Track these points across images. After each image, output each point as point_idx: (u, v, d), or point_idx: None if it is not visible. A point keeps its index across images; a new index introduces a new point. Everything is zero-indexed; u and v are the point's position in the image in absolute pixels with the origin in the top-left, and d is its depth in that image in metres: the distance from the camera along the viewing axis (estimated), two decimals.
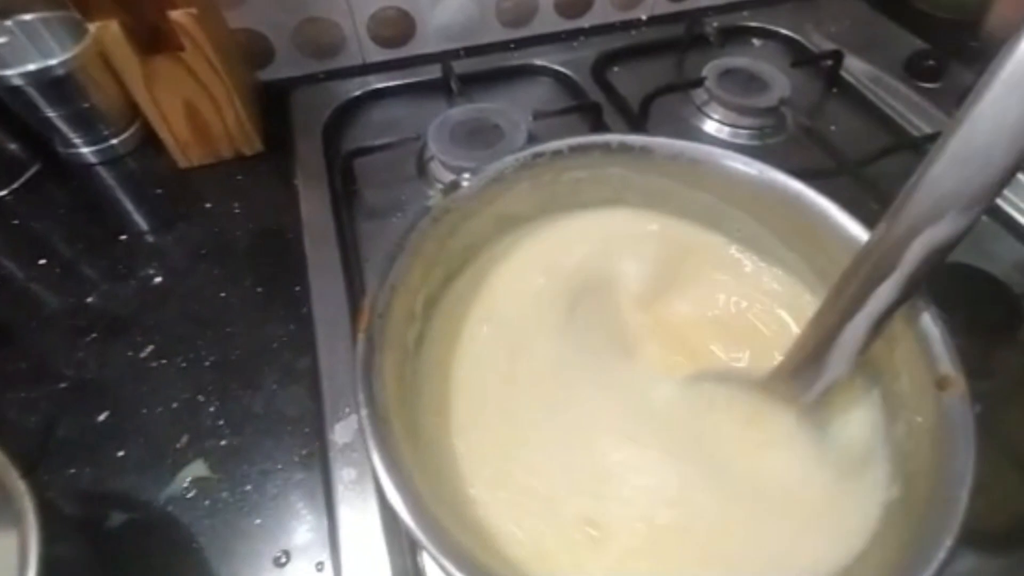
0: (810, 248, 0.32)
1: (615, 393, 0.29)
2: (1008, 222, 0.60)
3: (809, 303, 0.33)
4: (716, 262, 0.36)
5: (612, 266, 0.35)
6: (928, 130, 0.66)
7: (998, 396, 0.48)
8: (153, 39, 0.51)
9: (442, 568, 0.20)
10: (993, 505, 0.42)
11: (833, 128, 0.71)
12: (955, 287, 0.50)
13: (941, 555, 0.20)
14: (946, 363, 0.26)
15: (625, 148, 0.35)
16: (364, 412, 0.22)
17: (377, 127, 0.66)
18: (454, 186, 0.30)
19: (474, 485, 0.26)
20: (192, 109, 0.56)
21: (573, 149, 0.34)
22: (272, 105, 0.66)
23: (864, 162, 0.62)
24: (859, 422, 0.29)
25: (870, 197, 0.61)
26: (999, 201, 0.61)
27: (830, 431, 0.29)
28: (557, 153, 0.33)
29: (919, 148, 0.65)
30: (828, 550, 0.24)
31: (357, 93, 0.68)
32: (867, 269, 0.25)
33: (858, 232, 0.30)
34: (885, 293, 0.24)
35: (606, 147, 0.34)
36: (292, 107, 0.66)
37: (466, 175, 0.31)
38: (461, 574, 0.19)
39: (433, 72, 0.69)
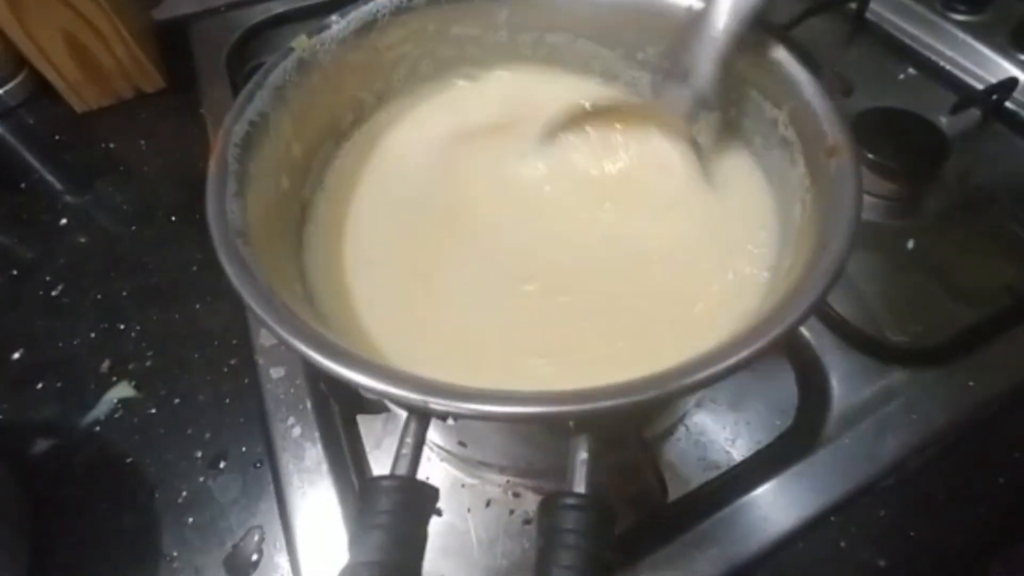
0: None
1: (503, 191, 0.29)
2: (939, 72, 0.60)
3: None
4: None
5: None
6: None
7: (929, 230, 0.49)
8: None
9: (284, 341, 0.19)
10: (926, 327, 0.43)
11: None
12: (889, 130, 0.50)
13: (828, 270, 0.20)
14: (835, 133, 0.25)
15: None
16: (215, 230, 0.21)
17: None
18: (321, 28, 0.28)
19: (362, 316, 0.25)
20: (76, 44, 0.52)
21: None
22: (172, 41, 0.62)
23: (788, 25, 0.61)
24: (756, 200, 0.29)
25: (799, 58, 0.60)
26: (929, 54, 0.61)
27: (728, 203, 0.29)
28: None
29: (841, 6, 0.64)
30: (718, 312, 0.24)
31: (261, 19, 0.64)
32: None
33: None
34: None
35: None
36: (193, 41, 0.62)
37: (335, 17, 0.29)
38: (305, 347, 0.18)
39: None
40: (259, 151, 0.24)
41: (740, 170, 0.31)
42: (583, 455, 0.17)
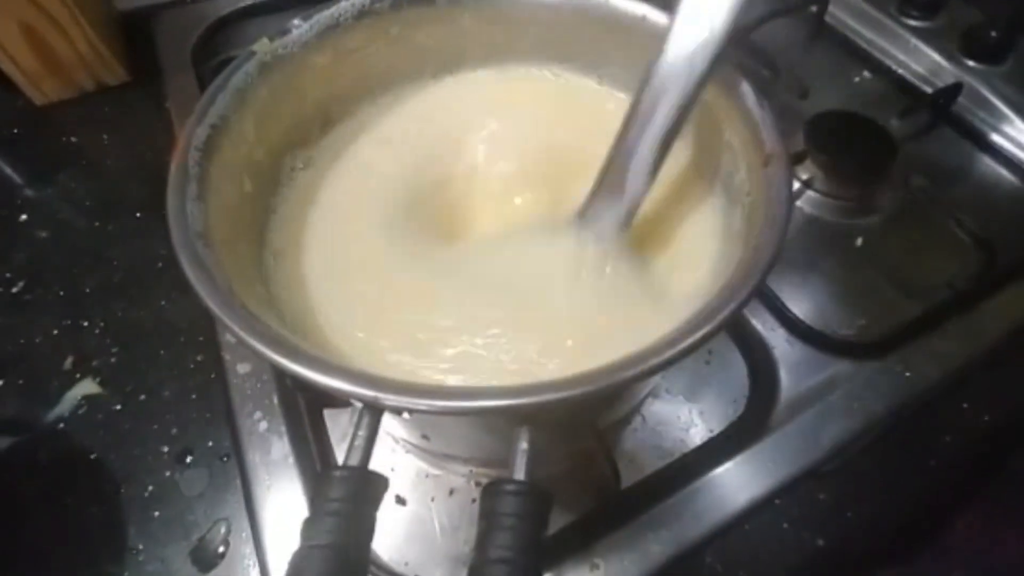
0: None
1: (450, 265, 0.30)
2: (892, 76, 0.62)
3: None
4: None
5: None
6: None
7: (878, 229, 0.51)
8: None
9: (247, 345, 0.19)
10: (871, 321, 0.46)
11: None
12: (841, 132, 0.52)
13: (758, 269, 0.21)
14: (771, 141, 0.27)
15: None
16: (175, 231, 0.21)
17: (252, 43, 0.62)
18: (284, 31, 0.29)
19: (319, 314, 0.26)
20: (32, 34, 0.51)
21: None
22: (136, 33, 0.61)
23: (750, 27, 0.63)
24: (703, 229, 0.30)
25: (758, 61, 0.62)
26: (883, 58, 0.63)
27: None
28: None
29: (801, 10, 0.66)
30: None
31: (227, 11, 0.64)
32: (654, 87, 0.26)
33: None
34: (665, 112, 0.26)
35: None
36: (157, 32, 0.61)
37: (297, 20, 0.29)
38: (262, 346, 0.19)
39: None
40: (220, 154, 0.25)
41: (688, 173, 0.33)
42: (523, 445, 0.18)
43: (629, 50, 0.33)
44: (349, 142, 0.34)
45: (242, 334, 0.19)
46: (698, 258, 0.28)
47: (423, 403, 0.18)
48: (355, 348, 0.25)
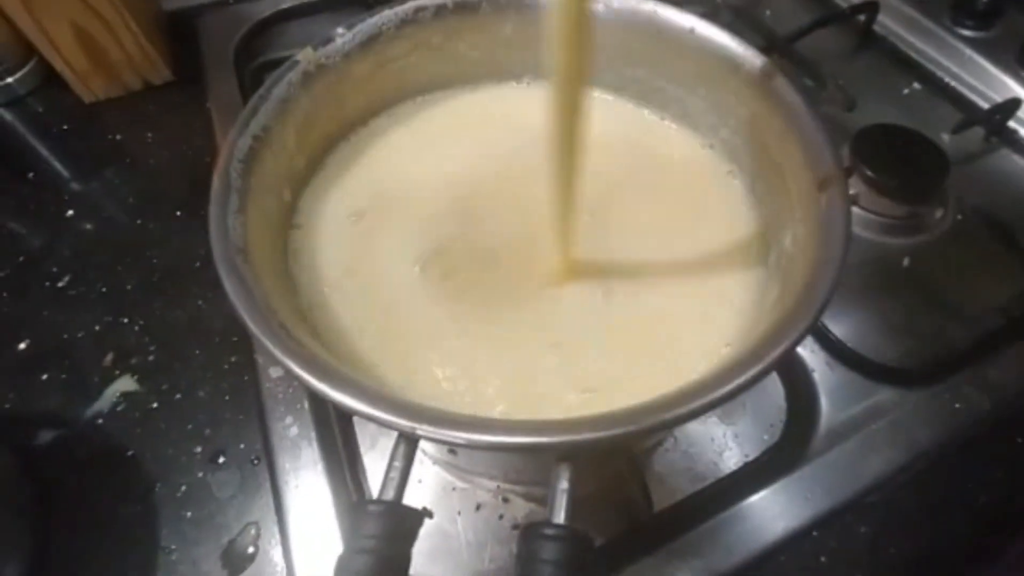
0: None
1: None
2: (944, 88, 0.60)
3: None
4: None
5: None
6: (855, 0, 0.65)
7: (926, 249, 0.49)
8: None
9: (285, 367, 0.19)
10: (918, 346, 0.44)
11: (768, 12, 0.70)
12: (889, 147, 0.50)
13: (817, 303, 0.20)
14: (827, 165, 0.26)
15: (515, 4, 0.33)
16: (217, 247, 0.21)
17: (292, 45, 0.63)
18: (326, 40, 0.29)
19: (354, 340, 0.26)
20: (83, 34, 0.52)
21: (458, 4, 0.32)
22: (181, 33, 0.62)
23: (793, 37, 0.61)
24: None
25: (802, 72, 0.60)
26: (935, 69, 0.61)
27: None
28: (441, 8, 0.32)
29: (848, 19, 0.64)
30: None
31: (268, 13, 0.64)
32: None
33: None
34: None
35: (493, 1, 0.33)
36: (201, 33, 0.63)
37: (340, 29, 0.29)
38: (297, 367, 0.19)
39: None
40: (262, 165, 0.25)
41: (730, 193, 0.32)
42: (564, 484, 0.18)
43: (684, 78, 0.32)
44: (378, 143, 0.34)
45: (281, 356, 0.19)
46: (737, 289, 0.27)
47: (462, 436, 0.17)
48: (388, 366, 0.25)
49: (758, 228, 0.30)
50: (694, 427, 0.39)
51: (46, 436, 0.37)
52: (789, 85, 0.29)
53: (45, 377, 0.40)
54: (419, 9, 0.31)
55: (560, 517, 0.18)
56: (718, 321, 0.27)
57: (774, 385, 0.42)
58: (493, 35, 0.35)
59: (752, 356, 0.19)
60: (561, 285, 0.28)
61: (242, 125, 0.25)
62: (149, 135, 0.55)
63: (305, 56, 0.28)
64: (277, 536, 0.34)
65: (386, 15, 0.30)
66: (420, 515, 0.19)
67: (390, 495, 0.18)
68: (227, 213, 0.22)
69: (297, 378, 0.19)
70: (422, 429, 0.17)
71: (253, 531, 0.34)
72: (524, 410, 0.23)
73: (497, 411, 0.23)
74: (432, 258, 0.30)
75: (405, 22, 0.31)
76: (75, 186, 0.51)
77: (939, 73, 0.60)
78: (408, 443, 0.19)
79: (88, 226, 0.48)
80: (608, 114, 0.36)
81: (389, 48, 0.31)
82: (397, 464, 0.18)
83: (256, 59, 0.62)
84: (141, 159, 0.53)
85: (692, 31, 0.32)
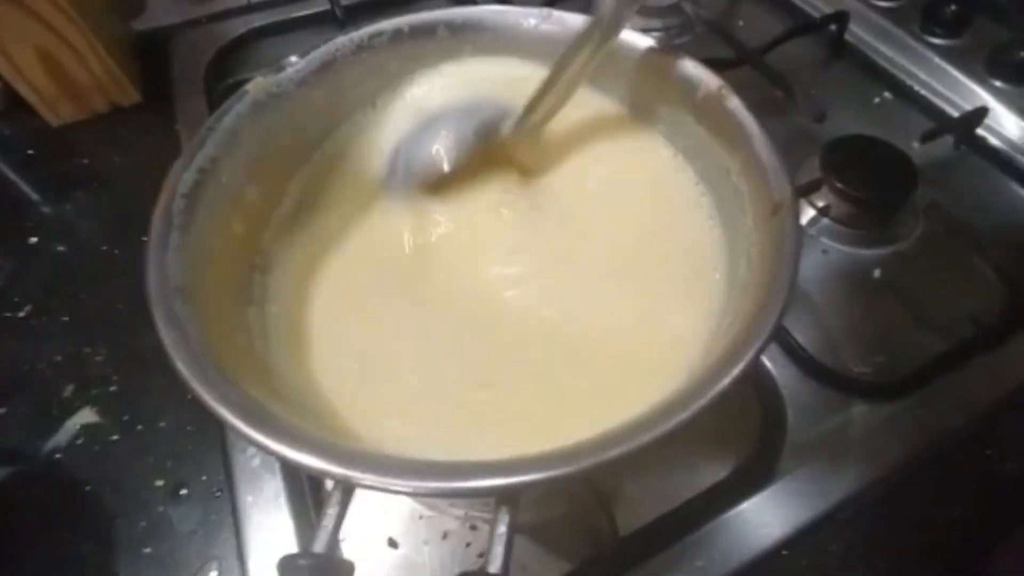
0: None
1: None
2: (914, 97, 0.60)
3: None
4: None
5: None
6: (827, 10, 0.66)
7: (896, 260, 0.49)
8: None
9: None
10: (889, 357, 0.44)
11: (741, 23, 0.70)
12: (859, 158, 0.50)
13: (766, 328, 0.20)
14: (780, 190, 0.26)
15: (472, 27, 0.33)
16: (152, 288, 0.21)
17: (264, 64, 0.62)
18: (278, 68, 0.29)
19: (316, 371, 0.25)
20: (50, 60, 0.52)
21: (415, 28, 0.32)
22: (151, 54, 0.62)
23: (765, 49, 0.61)
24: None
25: (773, 83, 0.61)
26: (904, 78, 0.61)
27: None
28: (397, 32, 0.31)
29: (820, 29, 0.64)
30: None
31: (240, 32, 0.64)
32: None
33: None
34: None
35: (450, 25, 0.33)
36: (171, 53, 0.62)
37: (293, 58, 0.29)
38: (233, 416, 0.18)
39: (320, 4, 0.66)
40: (208, 198, 0.24)
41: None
42: (501, 528, 0.17)
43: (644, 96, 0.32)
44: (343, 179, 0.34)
45: (207, 399, 0.18)
46: (700, 308, 0.27)
47: (399, 484, 0.17)
48: (347, 400, 0.25)
49: (723, 252, 0.30)
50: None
51: (2, 473, 0.36)
52: (743, 106, 0.29)
53: (3, 411, 0.39)
54: (374, 35, 0.31)
55: (496, 566, 0.17)
56: (676, 348, 0.27)
57: (748, 402, 0.41)
58: (450, 57, 0.35)
59: (692, 392, 0.19)
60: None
61: (187, 158, 0.24)
62: (117, 159, 0.54)
63: (255, 85, 0.28)
64: (238, 572, 0.33)
65: (340, 41, 0.30)
66: (350, 567, 0.18)
67: (321, 547, 0.18)
68: (167, 251, 0.22)
69: (224, 422, 0.18)
70: (357, 476, 0.17)
71: (215, 569, 0.33)
72: (464, 449, 0.23)
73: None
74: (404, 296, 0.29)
75: (361, 48, 0.31)
76: (40, 211, 0.51)
77: (909, 82, 0.61)
78: (345, 491, 0.18)
79: (53, 253, 0.48)
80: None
81: (344, 74, 0.31)
82: (330, 512, 0.18)
83: (227, 79, 0.61)
84: (109, 183, 0.52)
85: (650, 50, 0.32)
